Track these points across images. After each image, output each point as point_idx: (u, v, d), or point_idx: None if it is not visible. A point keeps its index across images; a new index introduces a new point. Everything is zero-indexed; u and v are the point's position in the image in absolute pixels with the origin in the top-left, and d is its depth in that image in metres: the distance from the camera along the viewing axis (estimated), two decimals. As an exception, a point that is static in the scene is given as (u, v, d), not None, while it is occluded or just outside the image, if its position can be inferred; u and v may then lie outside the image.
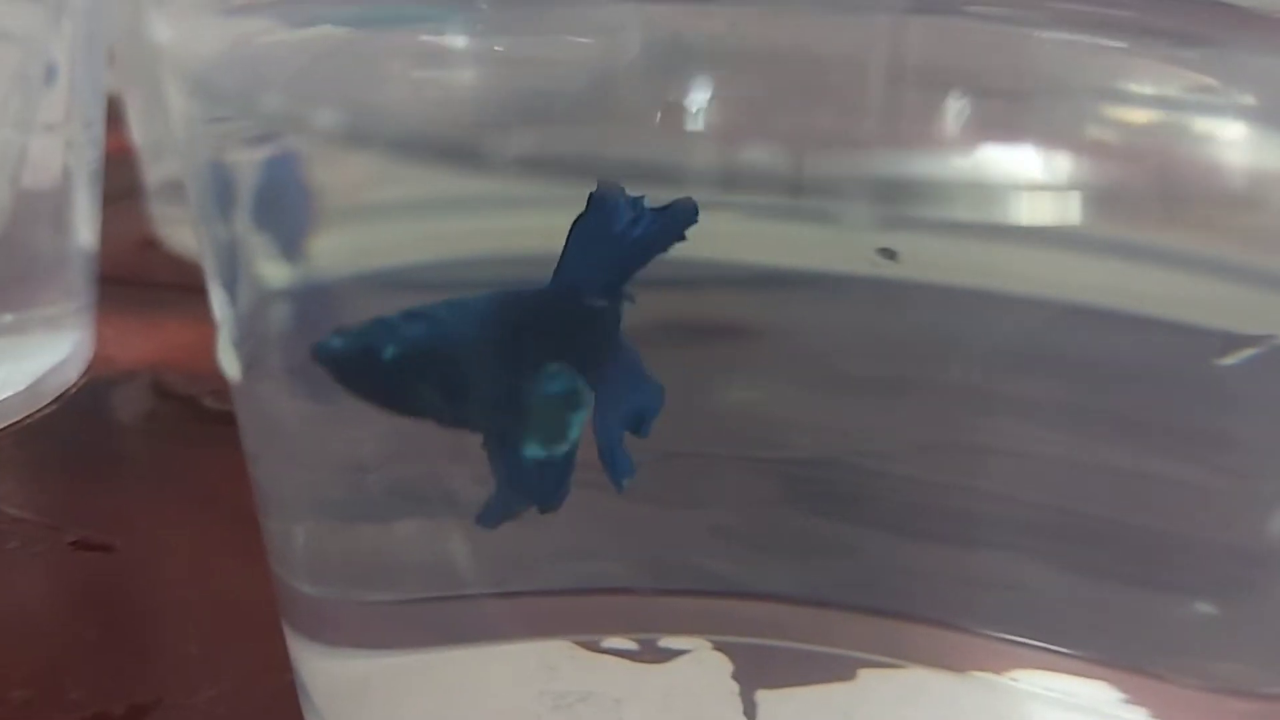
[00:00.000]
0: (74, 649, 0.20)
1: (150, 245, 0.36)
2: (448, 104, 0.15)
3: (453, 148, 0.14)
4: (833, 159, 0.13)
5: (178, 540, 0.22)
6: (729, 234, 0.14)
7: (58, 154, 0.25)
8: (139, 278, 0.31)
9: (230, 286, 0.15)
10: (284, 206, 0.15)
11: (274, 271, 0.15)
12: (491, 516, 0.14)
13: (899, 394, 0.14)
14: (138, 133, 0.36)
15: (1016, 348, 0.14)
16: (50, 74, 0.25)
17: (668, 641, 0.15)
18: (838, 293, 0.14)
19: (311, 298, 0.15)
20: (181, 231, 0.36)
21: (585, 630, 0.16)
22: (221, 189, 0.15)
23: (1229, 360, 0.13)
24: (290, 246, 0.15)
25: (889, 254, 0.13)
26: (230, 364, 0.16)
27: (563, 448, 0.14)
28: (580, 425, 0.14)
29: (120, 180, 0.33)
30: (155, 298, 0.33)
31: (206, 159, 0.15)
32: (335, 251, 0.15)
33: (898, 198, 0.13)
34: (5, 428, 0.25)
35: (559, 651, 0.16)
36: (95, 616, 0.20)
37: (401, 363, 0.14)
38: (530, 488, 0.14)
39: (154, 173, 0.37)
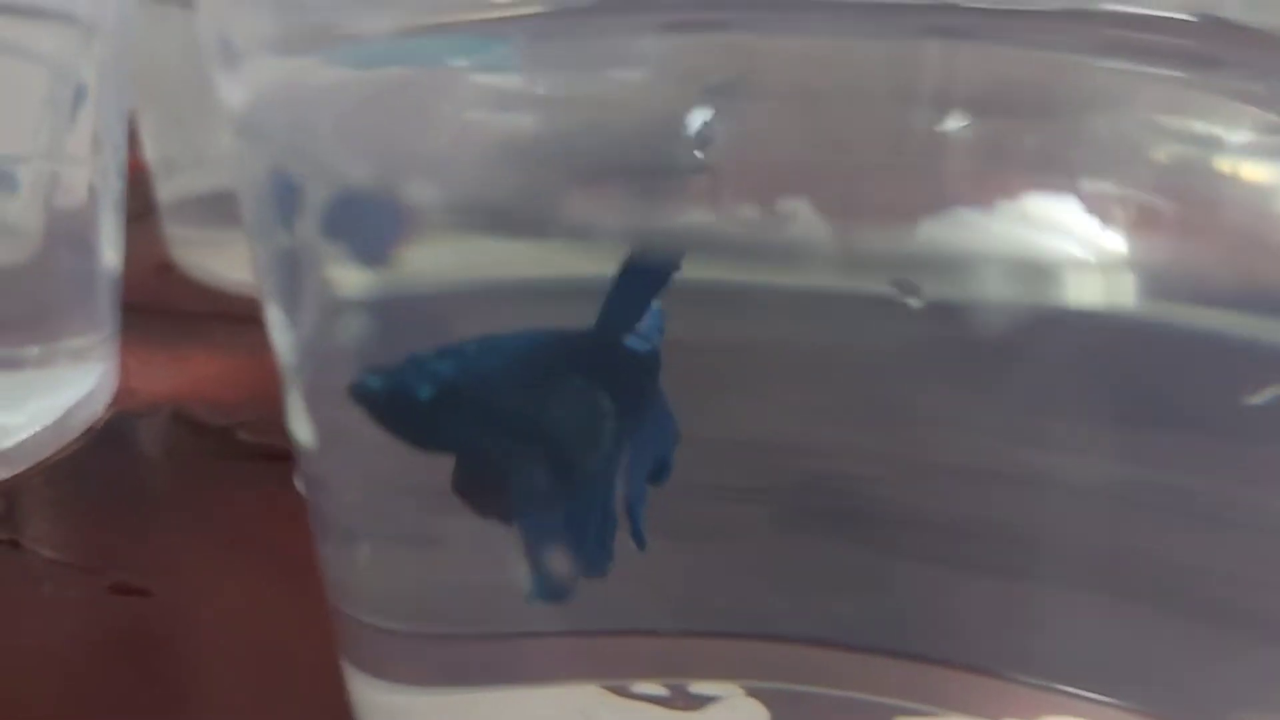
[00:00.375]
0: (114, 700, 0.20)
1: (166, 269, 0.37)
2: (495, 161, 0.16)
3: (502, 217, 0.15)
4: (885, 231, 0.14)
5: (219, 584, 0.23)
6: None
7: (84, 177, 0.26)
8: (157, 305, 0.32)
9: (291, 305, 0.16)
10: (369, 210, 0.15)
11: (352, 281, 0.15)
12: (544, 592, 0.15)
13: (938, 423, 0.15)
14: (150, 149, 0.37)
15: (1069, 369, 0.14)
16: (79, 96, 0.25)
17: (699, 687, 0.16)
18: (872, 313, 0.14)
19: (399, 308, 0.15)
20: (197, 254, 0.37)
21: (613, 674, 0.16)
22: (285, 196, 0.16)
23: (1257, 399, 0.14)
24: (374, 254, 0.15)
25: (907, 286, 0.14)
26: (303, 430, 0.16)
27: (599, 459, 0.15)
28: (612, 436, 0.15)
29: (133, 200, 0.33)
30: (175, 326, 0.33)
31: (266, 172, 0.16)
32: (428, 260, 0.15)
33: (946, 273, 0.14)
34: (33, 465, 0.26)
35: (590, 696, 0.16)
36: (137, 665, 0.21)
37: (437, 403, 0.14)
38: (570, 547, 0.15)
39: (166, 190, 0.37)
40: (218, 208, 0.37)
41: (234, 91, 0.16)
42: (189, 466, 0.27)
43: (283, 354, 0.16)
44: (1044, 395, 0.14)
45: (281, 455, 0.27)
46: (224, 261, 0.37)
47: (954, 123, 0.15)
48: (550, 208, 0.15)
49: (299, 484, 0.18)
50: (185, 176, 0.37)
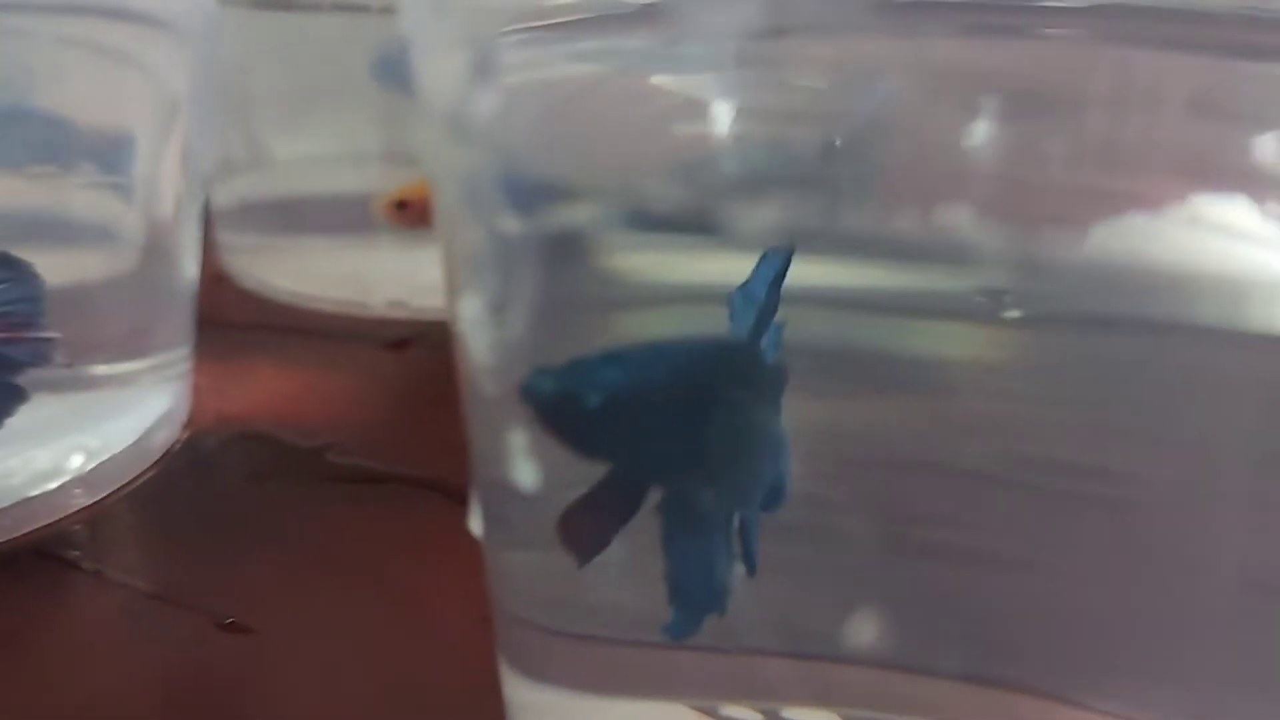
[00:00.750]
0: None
1: (221, 280, 0.36)
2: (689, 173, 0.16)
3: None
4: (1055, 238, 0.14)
5: (325, 617, 0.23)
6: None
7: (175, 188, 0.26)
8: (217, 318, 0.31)
9: (502, 302, 0.16)
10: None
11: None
12: (680, 628, 0.15)
13: (1041, 451, 0.15)
14: (205, 151, 0.36)
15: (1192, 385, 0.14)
16: (174, 105, 0.25)
17: (791, 712, 0.16)
18: (1007, 328, 0.14)
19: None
20: (252, 263, 0.37)
21: (723, 693, 0.16)
22: (522, 195, 0.16)
23: None
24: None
25: (996, 295, 0.14)
26: (491, 436, 0.16)
27: (772, 501, 0.15)
28: (774, 454, 0.15)
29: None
30: (239, 340, 0.33)
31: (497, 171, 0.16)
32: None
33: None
34: (114, 490, 0.25)
35: (679, 715, 0.16)
36: (249, 708, 0.21)
37: (604, 410, 0.14)
38: (696, 583, 0.15)
39: (222, 193, 0.37)
40: (276, 215, 0.37)
41: (481, 97, 0.16)
42: (278, 491, 0.27)
43: (479, 355, 0.16)
44: (1164, 412, 0.14)
45: (375, 478, 0.27)
46: (279, 272, 0.36)
47: (1127, 123, 0.15)
48: (724, 215, 0.15)
49: (473, 525, 0.18)
50: (244, 180, 0.36)
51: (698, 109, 0.16)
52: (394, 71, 0.36)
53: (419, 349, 0.34)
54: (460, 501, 0.26)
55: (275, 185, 0.36)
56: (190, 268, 0.27)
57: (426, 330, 0.34)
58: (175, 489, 0.26)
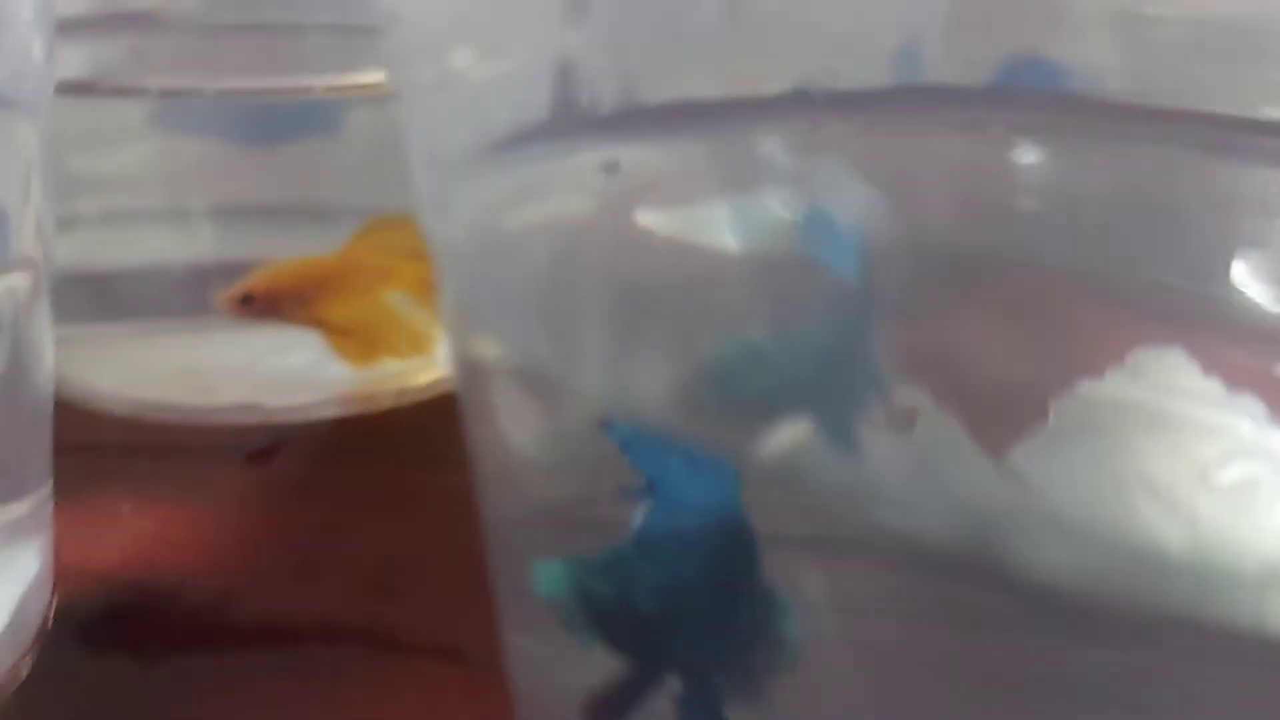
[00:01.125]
0: None
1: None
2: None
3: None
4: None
5: None
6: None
7: (30, 280, 0.21)
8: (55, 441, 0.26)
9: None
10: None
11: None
12: None
13: None
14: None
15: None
16: (28, 170, 0.21)
17: None
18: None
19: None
20: (70, 360, 0.31)
21: None
22: None
23: None
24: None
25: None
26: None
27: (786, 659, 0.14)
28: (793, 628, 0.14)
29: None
30: (87, 468, 0.27)
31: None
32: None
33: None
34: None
35: None
36: None
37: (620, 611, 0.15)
38: None
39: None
40: (92, 294, 0.31)
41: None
42: (176, 667, 0.22)
43: (520, 448, 0.16)
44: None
45: (285, 636, 0.23)
46: (102, 371, 0.31)
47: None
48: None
49: None
50: (73, 237, 0.31)
51: (688, 254, 0.16)
52: (172, 113, 0.32)
53: (285, 459, 0.30)
54: (393, 649, 0.23)
55: (89, 251, 0.31)
56: (47, 378, 0.22)
57: (288, 435, 0.30)
58: (60, 683, 0.21)
